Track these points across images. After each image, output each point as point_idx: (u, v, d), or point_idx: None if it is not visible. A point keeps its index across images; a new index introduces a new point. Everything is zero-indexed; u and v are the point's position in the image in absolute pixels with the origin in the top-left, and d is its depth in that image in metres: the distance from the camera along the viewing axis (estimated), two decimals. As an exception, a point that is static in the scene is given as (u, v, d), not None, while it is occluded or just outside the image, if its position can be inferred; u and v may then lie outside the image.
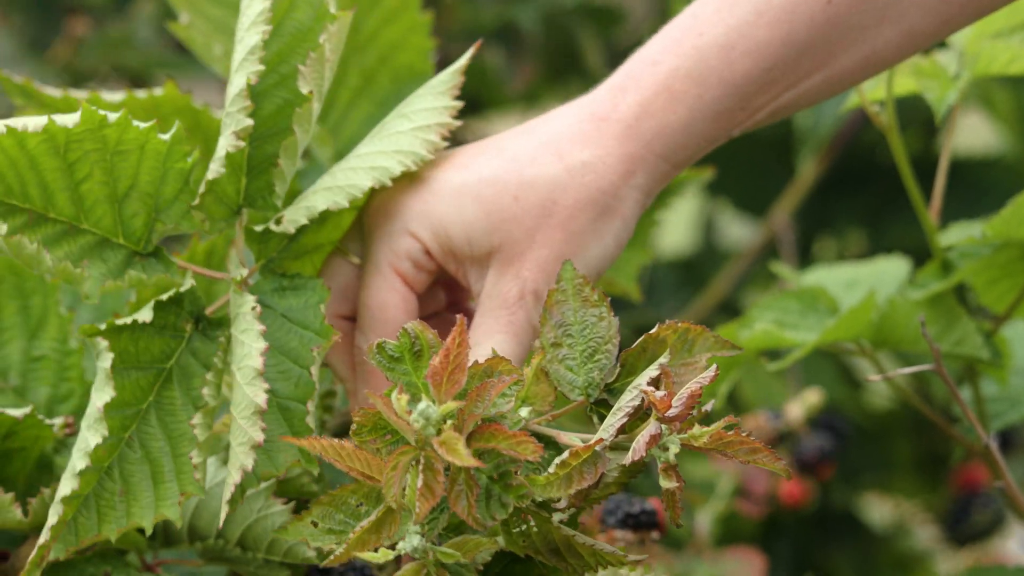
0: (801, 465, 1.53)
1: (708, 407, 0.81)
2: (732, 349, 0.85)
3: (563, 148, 0.89)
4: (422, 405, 0.77)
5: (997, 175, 1.88)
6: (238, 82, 0.88)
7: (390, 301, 0.90)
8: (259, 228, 0.90)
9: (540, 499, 0.80)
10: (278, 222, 0.90)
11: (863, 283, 1.21)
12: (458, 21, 1.96)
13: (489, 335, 0.88)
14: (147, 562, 0.91)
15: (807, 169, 1.83)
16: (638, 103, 0.89)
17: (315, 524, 0.82)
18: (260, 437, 0.84)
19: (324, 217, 0.91)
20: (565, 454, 0.79)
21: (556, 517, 0.82)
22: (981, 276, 1.13)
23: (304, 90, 0.89)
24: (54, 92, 1.04)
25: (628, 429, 0.80)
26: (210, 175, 0.88)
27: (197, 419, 0.87)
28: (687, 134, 0.89)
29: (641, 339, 0.84)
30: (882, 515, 1.99)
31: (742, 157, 1.94)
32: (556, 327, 0.85)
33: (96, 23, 2.02)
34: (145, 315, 0.88)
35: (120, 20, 2.04)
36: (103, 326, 0.87)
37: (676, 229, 2.30)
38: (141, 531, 0.90)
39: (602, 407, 0.84)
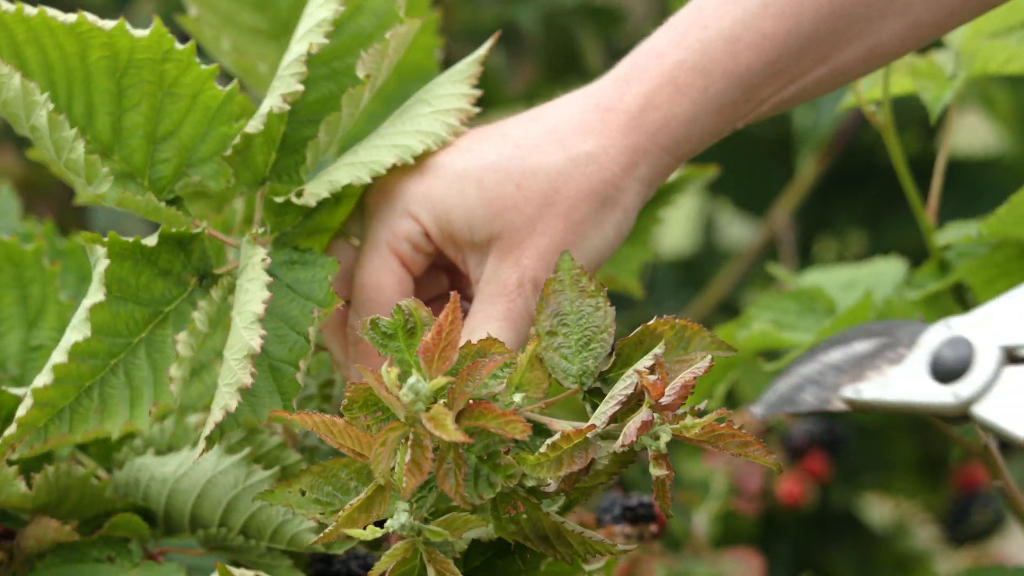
0: (791, 452, 1.53)
1: (702, 406, 0.81)
2: (728, 350, 0.85)
3: (567, 137, 0.90)
4: (412, 379, 0.77)
5: (996, 175, 1.89)
6: (298, 49, 0.89)
7: (386, 281, 0.90)
8: (279, 199, 0.91)
9: (530, 483, 0.80)
10: (299, 195, 0.90)
11: (861, 284, 1.21)
12: (458, 21, 1.96)
13: (487, 322, 0.88)
14: (149, 550, 0.91)
15: (807, 169, 1.83)
16: (643, 95, 0.89)
17: (303, 493, 0.82)
18: (248, 380, 0.83)
19: (340, 198, 0.92)
20: (556, 435, 0.79)
21: (547, 505, 0.82)
22: (978, 275, 1.13)
23: (361, 74, 0.90)
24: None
25: (620, 418, 0.80)
26: (249, 129, 0.89)
27: (182, 337, 0.87)
28: (691, 127, 0.90)
29: (637, 330, 0.84)
30: (882, 515, 1.99)
31: (742, 157, 1.94)
32: (552, 316, 0.85)
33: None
34: (150, 240, 0.88)
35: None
36: (106, 237, 0.87)
37: (676, 228, 2.30)
38: (144, 518, 0.91)
39: (596, 396, 0.84)
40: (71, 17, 0.86)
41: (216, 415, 0.84)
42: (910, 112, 1.48)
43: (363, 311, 0.91)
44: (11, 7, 0.86)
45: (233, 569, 0.81)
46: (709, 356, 0.82)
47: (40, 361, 1.00)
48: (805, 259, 1.91)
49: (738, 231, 2.20)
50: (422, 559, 0.80)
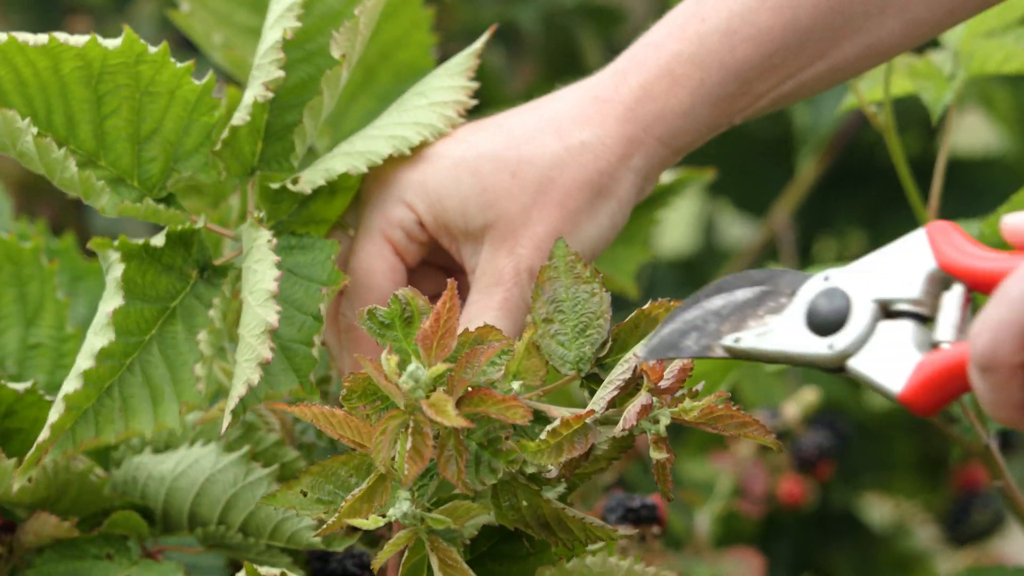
0: (801, 463, 1.53)
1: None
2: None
3: (563, 127, 0.90)
4: (412, 367, 0.77)
5: (996, 175, 1.88)
6: (272, 36, 0.90)
7: (377, 268, 0.90)
8: (275, 186, 0.91)
9: (530, 470, 0.80)
10: (295, 182, 0.91)
11: (860, 283, 1.21)
12: (458, 21, 1.96)
13: (483, 312, 0.88)
14: (147, 548, 0.91)
15: (807, 169, 1.83)
16: (639, 85, 0.90)
17: (304, 494, 0.82)
18: (268, 355, 0.84)
19: (336, 189, 0.92)
20: (556, 422, 0.79)
21: (547, 493, 0.82)
22: (978, 275, 1.13)
23: (336, 54, 0.91)
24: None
25: (619, 403, 0.80)
26: (235, 121, 0.89)
27: (203, 336, 0.88)
28: (687, 119, 0.90)
29: (633, 315, 0.84)
30: (882, 515, 1.98)
31: (742, 157, 1.94)
32: (548, 303, 0.85)
33: (96, 23, 2.02)
34: (158, 240, 0.88)
35: (120, 20, 2.04)
36: (116, 241, 0.87)
37: (676, 229, 2.30)
38: (143, 516, 0.91)
39: (593, 382, 0.84)
40: (42, 38, 0.87)
41: (239, 389, 0.85)
42: (910, 112, 1.47)
43: (354, 297, 0.91)
44: None
45: (259, 568, 0.81)
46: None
47: (38, 359, 1.01)
48: (805, 259, 1.91)
49: (738, 231, 2.20)
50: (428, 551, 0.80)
